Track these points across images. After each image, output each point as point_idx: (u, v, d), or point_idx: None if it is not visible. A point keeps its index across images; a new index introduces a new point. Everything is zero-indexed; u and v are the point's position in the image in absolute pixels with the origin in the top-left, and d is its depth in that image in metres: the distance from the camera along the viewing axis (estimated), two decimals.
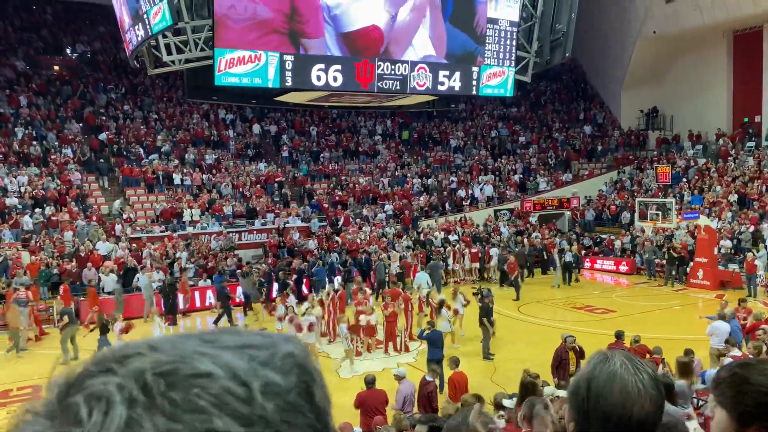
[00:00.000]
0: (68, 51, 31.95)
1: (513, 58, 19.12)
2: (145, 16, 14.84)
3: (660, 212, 23.82)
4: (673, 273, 21.23)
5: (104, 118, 27.81)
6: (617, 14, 32.38)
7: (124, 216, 22.99)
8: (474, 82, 18.52)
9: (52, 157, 24.57)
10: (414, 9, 16.69)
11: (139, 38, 15.59)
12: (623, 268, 23.74)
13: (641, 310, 18.00)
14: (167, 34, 15.04)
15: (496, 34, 18.44)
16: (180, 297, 18.64)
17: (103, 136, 26.74)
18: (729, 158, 27.86)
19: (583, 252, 24.53)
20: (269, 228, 24.22)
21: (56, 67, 30.20)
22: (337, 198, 27.50)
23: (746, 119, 29.40)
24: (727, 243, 21.65)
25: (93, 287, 17.98)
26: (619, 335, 11.05)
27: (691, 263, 21.10)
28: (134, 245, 21.21)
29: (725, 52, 29.93)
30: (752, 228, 22.05)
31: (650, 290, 20.93)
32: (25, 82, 28.08)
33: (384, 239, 24.12)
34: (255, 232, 24.06)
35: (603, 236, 26.07)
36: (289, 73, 15.55)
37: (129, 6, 15.89)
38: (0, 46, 29.72)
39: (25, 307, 15.80)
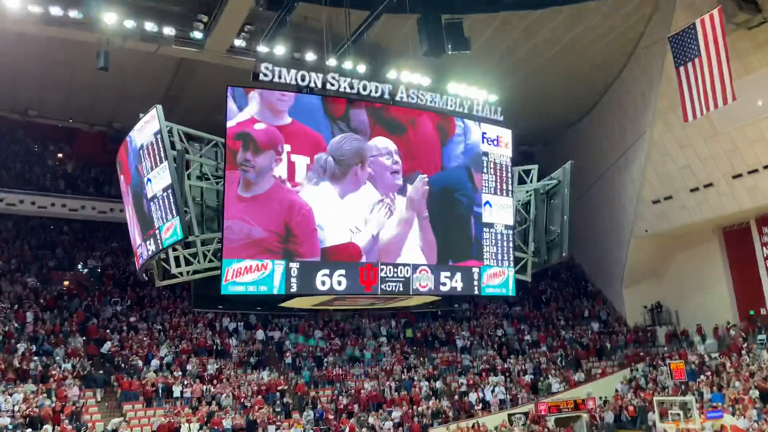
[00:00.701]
0: (79, 267, 32.94)
1: (511, 258, 19.64)
2: (157, 231, 15.54)
3: (681, 411, 22.67)
4: None
5: (108, 331, 27.76)
6: (609, 215, 33.90)
7: None
8: (475, 282, 18.81)
9: (52, 372, 24.07)
10: (400, 223, 17.46)
11: (150, 252, 16.17)
12: None
13: None
14: (177, 247, 15.61)
15: (493, 237, 19.15)
16: None
17: (106, 347, 26.49)
18: (742, 352, 27.23)
19: None
20: None
21: (66, 282, 30.89)
22: (341, 406, 26.38)
23: (752, 312, 29.28)
24: None
25: None
26: None
27: None
28: None
29: (718, 248, 30.75)
30: None
31: None
32: (34, 298, 28.51)
33: None
34: None
35: None
36: (294, 280, 15.86)
37: (141, 222, 16.71)
38: (14, 264, 30.70)
39: None
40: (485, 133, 19.54)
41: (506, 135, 20.09)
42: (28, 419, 21.25)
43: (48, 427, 20.94)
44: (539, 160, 32.49)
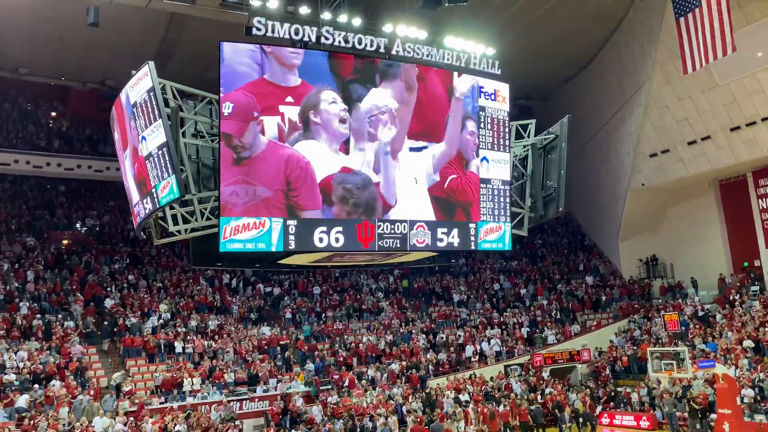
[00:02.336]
0: (78, 225, 33.02)
1: (508, 214, 19.74)
2: (153, 190, 15.54)
3: (674, 362, 23.14)
4: (697, 426, 20.12)
5: (109, 289, 28.02)
6: (606, 169, 33.90)
7: (125, 389, 22.32)
8: (472, 238, 18.95)
9: (55, 330, 24.40)
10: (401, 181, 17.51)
11: (147, 210, 16.20)
12: (644, 423, 22.53)
13: None
14: (174, 205, 15.64)
15: (489, 193, 19.18)
16: None
17: (108, 302, 26.81)
18: (735, 303, 27.65)
19: (598, 408, 23.47)
20: (272, 395, 23.39)
21: (65, 242, 31.01)
22: (341, 359, 26.88)
23: (746, 263, 29.59)
24: (749, 392, 20.78)
25: None
26: None
27: (714, 415, 20.07)
28: (131, 419, 20.34)
29: (714, 201, 30.87)
30: None
31: None
32: (34, 257, 28.67)
33: (392, 401, 23.19)
34: (257, 399, 23.21)
35: (618, 389, 25.13)
36: (292, 237, 15.97)
37: (137, 181, 16.69)
38: (13, 224, 30.76)
39: None
40: (482, 88, 19.39)
41: (504, 89, 19.94)
42: (33, 375, 21.66)
43: (55, 382, 21.37)
44: (536, 114, 32.41)
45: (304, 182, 16.30)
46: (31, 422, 19.35)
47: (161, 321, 26.68)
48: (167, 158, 15.10)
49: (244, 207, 15.40)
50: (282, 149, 16.15)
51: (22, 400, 20.17)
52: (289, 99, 16.34)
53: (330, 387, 24.68)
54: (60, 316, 25.60)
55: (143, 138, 15.97)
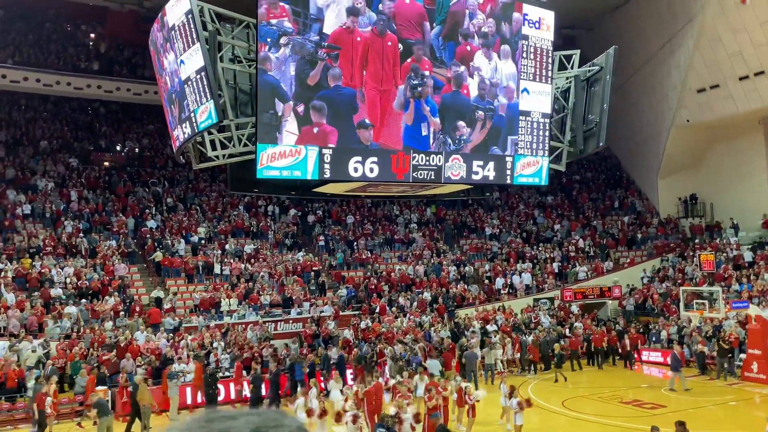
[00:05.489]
0: (118, 148, 33.63)
1: (546, 148, 19.36)
2: (192, 114, 15.63)
3: (707, 302, 23.05)
4: (725, 365, 20.24)
5: (148, 211, 28.77)
6: (650, 104, 32.81)
7: (165, 306, 23.30)
8: (508, 172, 18.72)
9: (98, 249, 25.34)
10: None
11: (186, 135, 16.36)
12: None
13: (693, 405, 17.08)
14: (212, 131, 15.76)
15: (529, 126, 18.80)
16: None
17: (151, 223, 27.63)
18: None
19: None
20: (305, 317, 24.18)
21: (106, 164, 31.72)
22: (372, 286, 27.46)
23: None
24: None
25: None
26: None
27: (743, 355, 20.12)
28: (171, 335, 21.35)
29: (763, 139, 29.81)
30: None
31: (702, 384, 19.91)
32: (77, 177, 29.48)
33: (420, 329, 23.78)
34: (291, 321, 24.02)
35: (649, 326, 25.27)
36: (327, 166, 16.01)
37: (177, 104, 16.79)
38: (56, 144, 31.50)
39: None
40: (526, 15, 18.66)
41: (549, 17, 19.12)
42: (78, 291, 22.71)
43: (106, 298, 22.40)
44: (581, 45, 31.18)
45: None
46: (79, 333, 20.46)
47: (203, 242, 27.51)
48: (205, 83, 15.09)
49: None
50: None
51: (70, 312, 21.27)
52: None
53: (360, 313, 25.35)
54: (102, 235, 26.52)
55: (182, 62, 15.94)
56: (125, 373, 17.96)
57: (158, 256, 25.18)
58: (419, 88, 16.44)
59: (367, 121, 15.95)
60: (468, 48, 17.28)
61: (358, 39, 15.70)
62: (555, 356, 21.72)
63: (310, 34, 15.18)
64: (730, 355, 20.43)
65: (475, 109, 17.48)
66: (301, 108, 15.16)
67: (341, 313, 25.15)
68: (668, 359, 20.52)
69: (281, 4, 14.88)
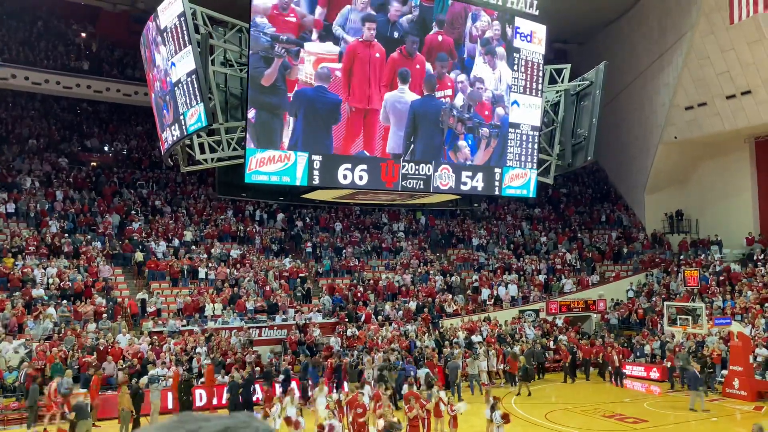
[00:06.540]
0: (106, 149, 33.37)
1: (535, 160, 19.47)
2: (181, 117, 15.55)
3: (690, 317, 23.15)
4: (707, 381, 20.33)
5: (134, 213, 28.53)
6: (638, 120, 33.09)
7: (149, 309, 23.07)
8: (496, 183, 18.79)
9: (83, 250, 25.07)
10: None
11: (175, 137, 16.27)
12: (654, 374, 22.85)
13: (675, 420, 17.14)
14: (201, 134, 15.68)
15: (518, 138, 18.90)
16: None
17: (136, 225, 27.40)
18: (758, 263, 27.38)
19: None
20: (290, 324, 24.04)
21: (93, 164, 31.45)
22: (359, 294, 27.37)
23: None
24: (764, 351, 20.82)
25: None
26: None
27: (725, 371, 20.24)
28: (155, 338, 21.13)
29: (748, 158, 30.14)
30: None
31: (684, 399, 19.96)
32: (64, 177, 29.19)
33: (405, 338, 23.71)
34: (275, 327, 23.88)
35: (632, 340, 25.38)
36: (316, 172, 15.98)
37: (166, 107, 16.70)
38: (42, 143, 31.19)
39: None
40: (518, 28, 18.79)
41: (540, 31, 19.27)
42: (61, 292, 22.43)
43: (86, 299, 22.14)
44: (572, 59, 31.43)
45: None
46: (60, 335, 20.20)
47: (189, 246, 27.31)
48: (196, 86, 15.03)
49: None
50: None
51: (51, 314, 20.99)
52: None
53: (347, 320, 25.24)
54: (88, 236, 26.26)
55: (173, 64, 15.87)
56: (106, 376, 17.77)
57: (138, 256, 25.02)
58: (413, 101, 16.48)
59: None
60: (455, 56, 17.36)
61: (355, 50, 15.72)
62: (520, 369, 21.59)
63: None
64: (710, 370, 20.55)
65: (478, 126, 17.64)
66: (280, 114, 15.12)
67: (325, 320, 25.04)
68: (685, 377, 20.05)
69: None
